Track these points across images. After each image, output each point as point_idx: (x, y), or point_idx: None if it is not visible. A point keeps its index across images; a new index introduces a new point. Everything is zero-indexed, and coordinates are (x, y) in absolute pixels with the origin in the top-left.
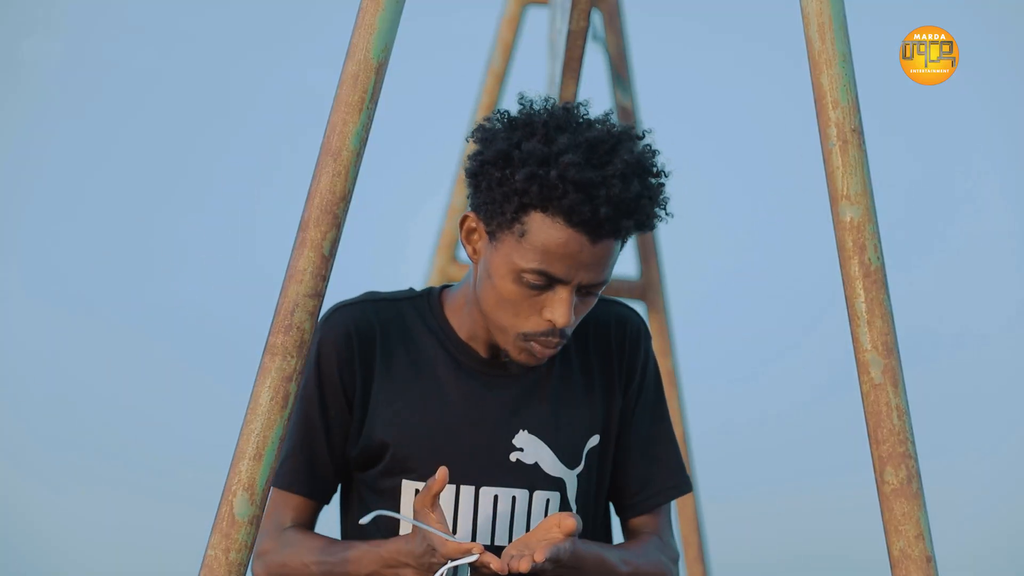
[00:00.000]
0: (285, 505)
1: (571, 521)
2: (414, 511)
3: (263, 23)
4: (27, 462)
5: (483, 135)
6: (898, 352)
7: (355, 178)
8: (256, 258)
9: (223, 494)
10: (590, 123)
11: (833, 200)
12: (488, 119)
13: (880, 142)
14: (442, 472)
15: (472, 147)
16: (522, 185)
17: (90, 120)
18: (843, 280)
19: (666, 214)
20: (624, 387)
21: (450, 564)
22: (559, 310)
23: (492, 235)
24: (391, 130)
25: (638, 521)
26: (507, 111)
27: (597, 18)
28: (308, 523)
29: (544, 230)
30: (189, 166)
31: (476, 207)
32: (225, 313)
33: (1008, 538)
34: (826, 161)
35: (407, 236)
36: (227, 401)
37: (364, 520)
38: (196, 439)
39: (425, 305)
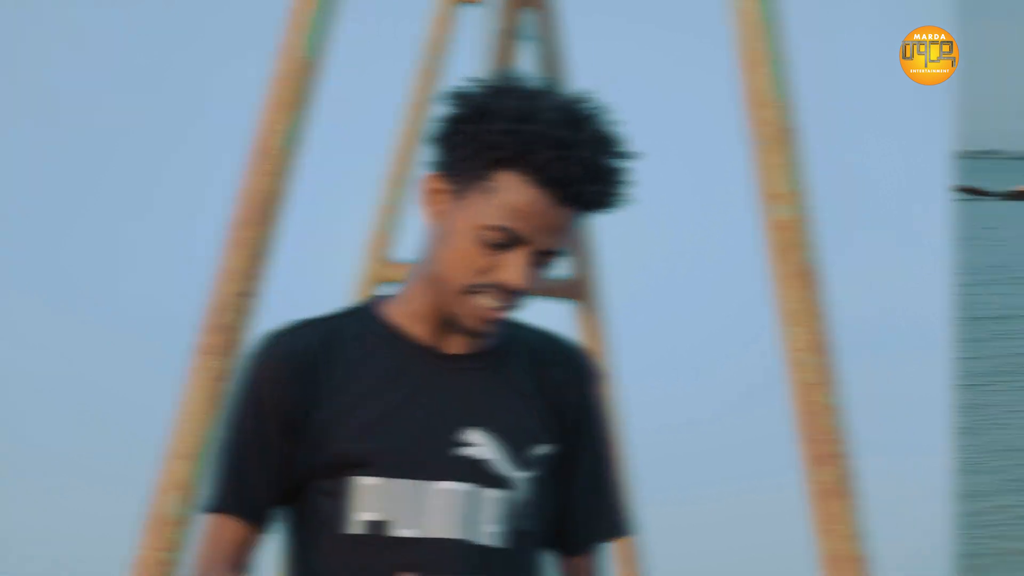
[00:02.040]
0: (219, 534)
1: None
2: None
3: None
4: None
5: (457, 96)
6: (831, 351)
7: (287, 177)
8: None
9: (153, 494)
10: (568, 92)
11: (763, 199)
12: (459, 85)
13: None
14: None
15: (442, 111)
16: (497, 139)
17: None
18: (773, 280)
19: (625, 198)
20: (573, 418)
21: None
22: (513, 271)
23: (457, 194)
24: (324, 129)
25: (577, 560)
26: (481, 77)
27: (529, 17)
28: (244, 551)
29: (513, 188)
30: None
31: (443, 166)
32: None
33: (943, 536)
34: (755, 160)
35: (340, 235)
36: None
37: None
38: None
39: (363, 312)
